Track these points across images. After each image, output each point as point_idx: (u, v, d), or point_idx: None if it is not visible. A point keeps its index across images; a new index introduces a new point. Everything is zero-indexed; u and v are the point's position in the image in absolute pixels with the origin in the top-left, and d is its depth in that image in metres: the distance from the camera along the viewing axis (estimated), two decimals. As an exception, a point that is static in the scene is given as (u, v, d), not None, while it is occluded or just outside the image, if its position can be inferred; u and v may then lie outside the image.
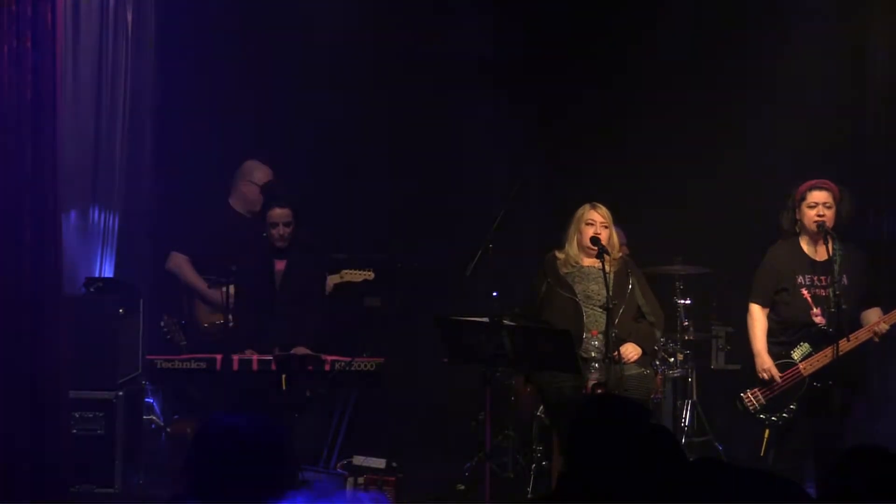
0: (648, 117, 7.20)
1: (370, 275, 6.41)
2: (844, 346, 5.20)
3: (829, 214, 5.35)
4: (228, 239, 6.28)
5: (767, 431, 5.40)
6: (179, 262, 6.35)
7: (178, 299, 6.37)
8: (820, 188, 5.38)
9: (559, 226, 5.95)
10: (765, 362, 5.43)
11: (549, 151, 7.11)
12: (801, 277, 5.42)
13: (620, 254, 5.86)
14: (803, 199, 5.40)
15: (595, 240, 5.61)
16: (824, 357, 5.28)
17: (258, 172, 6.47)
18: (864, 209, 5.99)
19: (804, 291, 5.40)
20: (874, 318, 5.32)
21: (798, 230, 5.47)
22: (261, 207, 6.45)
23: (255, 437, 2.59)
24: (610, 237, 5.73)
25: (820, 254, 5.41)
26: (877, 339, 5.32)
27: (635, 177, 7.09)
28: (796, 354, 5.40)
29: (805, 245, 5.47)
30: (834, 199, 5.37)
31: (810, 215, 5.35)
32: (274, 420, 2.67)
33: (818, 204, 5.35)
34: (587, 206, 5.78)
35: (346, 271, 6.40)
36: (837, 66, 6.70)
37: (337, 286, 6.39)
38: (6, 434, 4.59)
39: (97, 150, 6.14)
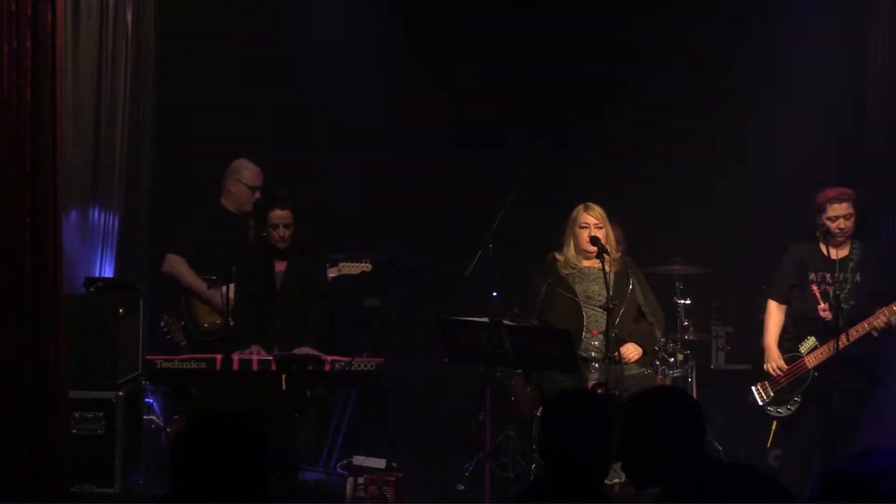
0: (648, 117, 7.21)
1: (368, 266, 6.38)
2: (845, 340, 5.25)
3: (848, 225, 5.43)
4: (221, 238, 6.27)
5: (775, 424, 5.50)
6: (175, 264, 6.31)
7: (177, 300, 6.35)
8: (839, 200, 5.44)
9: (559, 226, 5.96)
10: (772, 356, 5.56)
11: (549, 151, 7.11)
12: (812, 274, 5.52)
13: (620, 254, 5.87)
14: (822, 210, 5.46)
15: (595, 240, 5.62)
16: (827, 350, 5.34)
17: (246, 171, 6.44)
18: (865, 209, 6.00)
19: (814, 287, 5.48)
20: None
21: (819, 235, 5.52)
22: (251, 207, 6.44)
23: (237, 438, 2.58)
24: (607, 236, 5.74)
25: (836, 252, 5.45)
26: (875, 334, 5.35)
27: (635, 176, 7.10)
28: (803, 348, 5.51)
29: (823, 245, 5.53)
30: (853, 206, 5.43)
31: (830, 228, 5.40)
32: (256, 421, 2.65)
33: (838, 217, 5.41)
34: (580, 209, 5.79)
35: (343, 264, 6.38)
36: (838, 66, 6.70)
37: (335, 279, 6.38)
38: (6, 434, 4.58)
39: (97, 149, 6.13)
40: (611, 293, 5.52)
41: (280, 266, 6.11)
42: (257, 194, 6.43)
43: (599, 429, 2.94)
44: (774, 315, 5.64)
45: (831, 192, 5.48)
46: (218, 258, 6.13)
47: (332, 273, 6.36)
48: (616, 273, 5.74)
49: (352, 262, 6.37)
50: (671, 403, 2.94)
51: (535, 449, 5.67)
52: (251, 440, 2.58)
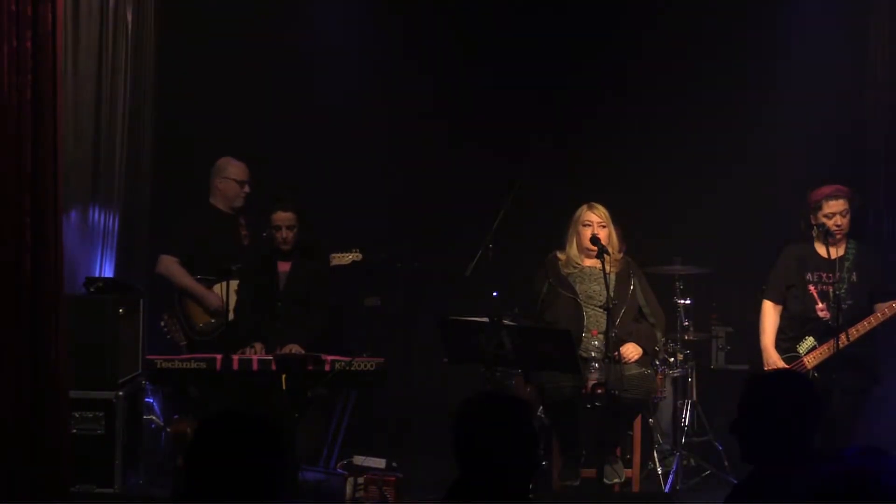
0: (648, 117, 7.21)
1: (358, 255, 6.34)
2: (845, 340, 5.26)
3: (845, 222, 5.42)
4: (214, 237, 6.26)
5: None
6: (168, 265, 6.29)
7: (171, 301, 6.34)
8: (836, 197, 5.43)
9: (559, 226, 5.96)
10: (771, 356, 5.55)
11: (549, 151, 7.10)
12: (809, 274, 5.51)
13: (621, 254, 5.87)
14: (819, 207, 5.45)
15: (595, 239, 5.63)
16: (827, 350, 5.34)
17: (231, 167, 6.42)
18: (865, 209, 6.00)
19: (811, 287, 5.48)
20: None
21: (814, 234, 5.51)
22: (242, 202, 6.42)
23: (254, 437, 2.58)
24: (609, 237, 5.74)
25: (831, 252, 5.45)
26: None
27: (635, 177, 7.10)
28: (801, 348, 5.50)
29: (818, 245, 5.53)
30: (849, 203, 5.42)
31: (827, 225, 5.39)
32: (273, 420, 2.66)
33: (835, 214, 5.41)
34: (584, 207, 5.80)
35: (333, 255, 6.36)
36: (837, 66, 6.70)
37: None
38: (6, 434, 4.58)
39: (97, 149, 6.14)
40: (611, 293, 5.52)
41: (284, 267, 6.10)
42: (246, 188, 6.41)
43: (517, 435, 2.83)
44: (770, 316, 5.63)
45: (827, 189, 5.47)
46: (211, 258, 6.13)
47: None
48: (618, 273, 5.75)
49: (342, 252, 6.34)
50: (791, 390, 3.05)
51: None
52: (267, 440, 2.59)
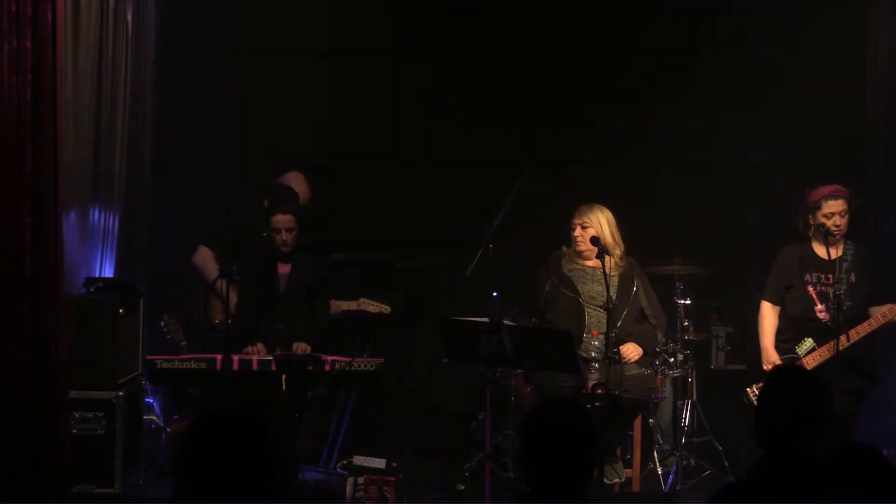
0: (648, 117, 7.20)
1: (387, 309, 6.39)
2: (846, 341, 5.24)
3: (844, 223, 5.42)
4: (255, 239, 6.27)
5: None
6: (205, 256, 6.37)
7: (196, 294, 6.35)
8: (835, 197, 5.43)
9: (559, 226, 5.97)
10: (770, 356, 5.54)
11: (549, 151, 7.10)
12: (808, 275, 5.50)
13: (620, 254, 5.87)
14: (818, 207, 5.44)
15: (595, 240, 5.64)
16: (826, 352, 5.34)
17: (296, 187, 6.47)
18: (864, 209, 6.00)
19: (810, 288, 5.48)
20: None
21: (812, 234, 5.50)
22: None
23: (247, 435, 2.58)
24: (602, 235, 5.73)
25: (829, 253, 5.44)
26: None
27: (635, 176, 7.09)
28: (800, 350, 5.49)
29: (816, 246, 5.53)
30: (848, 204, 5.42)
31: (826, 225, 5.39)
32: (266, 417, 2.65)
33: (834, 214, 5.41)
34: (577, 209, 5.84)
35: (363, 300, 6.39)
36: (837, 66, 6.70)
37: (351, 312, 6.39)
38: (6, 434, 4.58)
39: (97, 149, 6.14)
40: (612, 294, 5.52)
41: (284, 268, 6.10)
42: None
43: (582, 438, 2.92)
44: (769, 316, 5.63)
45: (826, 189, 5.47)
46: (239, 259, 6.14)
47: (350, 306, 6.36)
48: (620, 275, 5.75)
49: (373, 300, 6.38)
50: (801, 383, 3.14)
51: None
52: (257, 436, 2.58)
